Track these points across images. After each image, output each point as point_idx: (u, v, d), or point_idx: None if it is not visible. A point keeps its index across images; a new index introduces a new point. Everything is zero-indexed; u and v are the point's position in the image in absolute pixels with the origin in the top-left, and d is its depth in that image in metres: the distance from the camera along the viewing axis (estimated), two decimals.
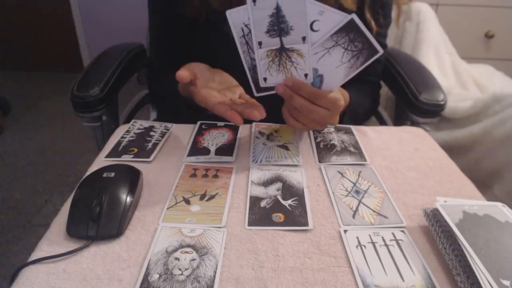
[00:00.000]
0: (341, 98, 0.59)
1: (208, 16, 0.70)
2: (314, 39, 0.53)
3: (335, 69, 0.55)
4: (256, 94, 0.57)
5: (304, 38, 0.52)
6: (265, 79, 0.56)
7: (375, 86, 0.86)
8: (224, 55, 0.54)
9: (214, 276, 0.38)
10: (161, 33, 0.78)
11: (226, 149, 0.60)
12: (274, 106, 0.59)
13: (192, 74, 0.58)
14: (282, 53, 0.54)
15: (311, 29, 0.52)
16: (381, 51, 0.52)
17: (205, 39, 0.73)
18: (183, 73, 0.56)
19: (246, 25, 0.52)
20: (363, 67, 0.54)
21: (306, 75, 0.55)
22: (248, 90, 0.57)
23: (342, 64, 0.54)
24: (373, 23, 0.70)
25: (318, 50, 0.54)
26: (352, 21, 0.51)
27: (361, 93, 0.74)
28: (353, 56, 0.53)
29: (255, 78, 0.56)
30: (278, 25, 0.51)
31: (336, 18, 0.51)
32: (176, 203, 0.49)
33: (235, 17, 0.51)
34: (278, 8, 0.50)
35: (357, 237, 0.44)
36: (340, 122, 0.68)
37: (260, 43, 0.53)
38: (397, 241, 0.44)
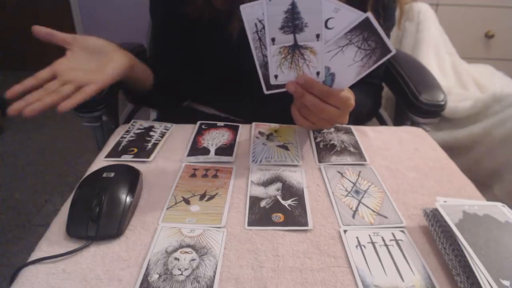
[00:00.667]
0: (352, 97, 0.58)
1: (211, 16, 0.69)
2: (328, 36, 0.52)
3: (347, 67, 0.54)
4: (266, 92, 0.56)
5: (318, 36, 0.52)
6: (276, 76, 0.55)
7: (377, 88, 0.85)
8: (226, 55, 0.53)
9: (214, 276, 0.38)
10: (162, 33, 0.78)
11: (226, 149, 0.60)
12: (280, 105, 0.59)
13: (68, 39, 0.57)
14: (295, 50, 0.53)
15: (326, 26, 0.51)
16: (393, 51, 0.51)
17: (207, 39, 0.73)
18: (39, 29, 0.55)
19: (260, 21, 0.51)
20: (375, 66, 0.53)
21: (318, 73, 0.55)
22: (250, 88, 0.57)
23: (354, 63, 0.54)
24: None
25: (331, 48, 0.53)
26: (367, 20, 0.50)
27: (363, 94, 0.74)
28: (366, 55, 0.53)
29: (266, 75, 0.55)
30: (292, 21, 0.51)
31: (351, 16, 0.51)
32: (176, 203, 0.48)
33: (249, 12, 0.51)
34: (293, 5, 0.49)
35: (357, 237, 0.44)
36: None
37: (273, 40, 0.52)
38: (397, 241, 0.44)
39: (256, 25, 0.51)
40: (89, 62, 0.57)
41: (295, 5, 0.50)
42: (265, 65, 0.54)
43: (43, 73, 0.52)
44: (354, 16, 0.51)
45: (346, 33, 0.52)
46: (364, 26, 0.51)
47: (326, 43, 0.52)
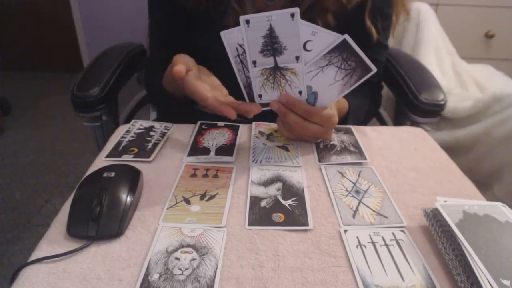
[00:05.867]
0: (335, 114, 0.60)
1: (208, 10, 0.70)
2: (307, 58, 0.54)
3: (329, 86, 0.56)
4: None
5: (297, 58, 0.53)
6: (260, 96, 0.57)
7: (376, 87, 0.85)
8: (224, 53, 0.54)
9: (214, 276, 0.38)
10: (160, 30, 0.78)
11: (226, 149, 0.60)
12: None
13: (186, 66, 0.57)
14: (276, 71, 0.55)
15: (304, 48, 0.53)
16: (374, 69, 0.53)
17: (204, 37, 0.73)
18: (180, 68, 0.54)
19: (240, 45, 0.53)
20: (357, 84, 0.56)
21: (300, 92, 0.57)
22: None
23: (336, 82, 0.56)
24: (373, 30, 0.71)
25: (311, 68, 0.55)
26: (345, 41, 0.52)
27: (360, 96, 0.75)
28: (346, 75, 0.55)
29: (251, 94, 0.57)
30: (271, 45, 0.52)
31: (328, 39, 0.52)
32: (176, 203, 0.49)
33: (229, 37, 0.52)
34: (271, 30, 0.51)
35: (357, 237, 0.44)
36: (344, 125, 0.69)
37: (254, 62, 0.54)
38: (397, 241, 0.44)
39: (237, 49, 0.53)
40: (207, 76, 0.62)
41: (273, 30, 0.51)
42: (249, 86, 0.56)
43: (219, 95, 0.57)
44: (332, 38, 0.52)
45: (325, 54, 0.53)
46: (342, 48, 0.53)
47: (306, 64, 0.54)
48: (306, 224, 0.46)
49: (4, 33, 2.85)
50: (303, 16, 0.50)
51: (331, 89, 0.56)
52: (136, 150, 0.59)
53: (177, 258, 0.40)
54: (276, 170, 0.56)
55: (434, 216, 0.44)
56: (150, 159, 0.58)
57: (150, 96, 0.93)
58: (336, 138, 0.65)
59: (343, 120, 0.72)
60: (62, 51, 2.92)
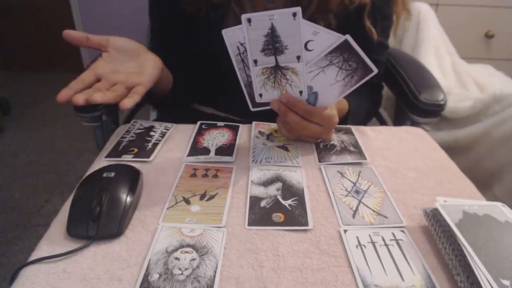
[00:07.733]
0: (335, 114, 0.60)
1: (208, 13, 0.70)
2: (308, 58, 0.54)
3: (330, 86, 0.56)
4: (252, 109, 0.59)
5: (298, 57, 0.53)
6: (260, 95, 0.57)
7: (376, 87, 0.85)
8: (224, 54, 0.54)
9: (214, 276, 0.38)
10: (160, 31, 0.78)
11: (226, 149, 0.60)
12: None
13: (103, 41, 0.56)
14: (277, 71, 0.55)
15: (306, 48, 0.53)
16: (375, 70, 0.53)
17: (205, 38, 0.73)
18: (73, 33, 0.54)
19: (241, 44, 0.53)
20: (357, 85, 0.56)
21: (300, 92, 0.57)
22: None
23: (336, 82, 0.56)
24: (373, 30, 0.71)
25: (312, 68, 0.55)
26: (346, 42, 0.52)
27: (360, 96, 0.75)
28: (347, 75, 0.55)
29: (251, 94, 0.57)
30: (273, 44, 0.52)
31: (330, 39, 0.52)
32: (176, 203, 0.49)
33: (230, 36, 0.52)
34: (272, 29, 0.51)
35: (357, 237, 0.44)
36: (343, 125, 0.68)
37: (255, 61, 0.54)
38: (397, 241, 0.44)
39: (238, 48, 0.53)
40: (127, 63, 0.57)
41: (275, 29, 0.51)
42: (249, 85, 0.56)
43: (87, 76, 0.52)
44: (333, 38, 0.52)
45: (326, 54, 0.53)
46: (344, 48, 0.53)
47: (307, 64, 0.54)
48: (306, 224, 0.46)
49: (4, 33, 2.85)
50: (305, 16, 0.50)
51: (331, 89, 0.56)
52: (136, 150, 0.59)
53: (177, 258, 0.40)
54: (276, 170, 0.56)
55: (434, 216, 0.44)
56: (150, 159, 0.57)
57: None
58: (336, 138, 0.65)
59: (343, 120, 0.72)
60: (62, 51, 2.92)
